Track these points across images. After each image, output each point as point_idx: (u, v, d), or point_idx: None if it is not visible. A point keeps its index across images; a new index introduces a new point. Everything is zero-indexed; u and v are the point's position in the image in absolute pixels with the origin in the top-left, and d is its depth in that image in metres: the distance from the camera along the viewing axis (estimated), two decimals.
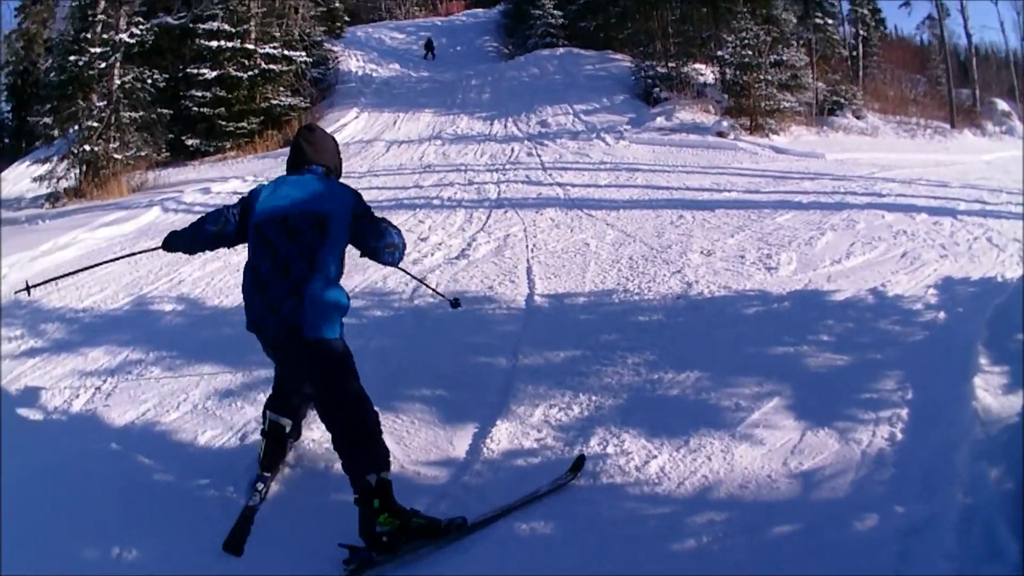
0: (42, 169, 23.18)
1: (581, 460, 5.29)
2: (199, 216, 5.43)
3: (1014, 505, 4.01)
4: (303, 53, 34.32)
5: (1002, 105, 38.28)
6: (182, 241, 5.29)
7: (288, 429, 5.49)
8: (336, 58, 41.63)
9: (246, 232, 5.08)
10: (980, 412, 5.08)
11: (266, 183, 5.30)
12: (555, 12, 42.22)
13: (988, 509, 4.04)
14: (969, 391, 5.41)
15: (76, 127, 23.45)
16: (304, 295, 4.74)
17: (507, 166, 20.33)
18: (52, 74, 25.21)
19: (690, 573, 4.20)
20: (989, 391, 5.35)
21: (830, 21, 37.78)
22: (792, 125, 27.68)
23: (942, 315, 7.47)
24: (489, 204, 14.88)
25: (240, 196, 5.38)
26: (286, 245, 4.83)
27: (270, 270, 4.83)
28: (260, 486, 5.16)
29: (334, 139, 5.72)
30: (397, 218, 13.63)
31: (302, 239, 4.84)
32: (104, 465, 5.99)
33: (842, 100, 30.84)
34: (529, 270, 10.02)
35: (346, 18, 50.60)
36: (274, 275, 4.80)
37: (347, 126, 30.77)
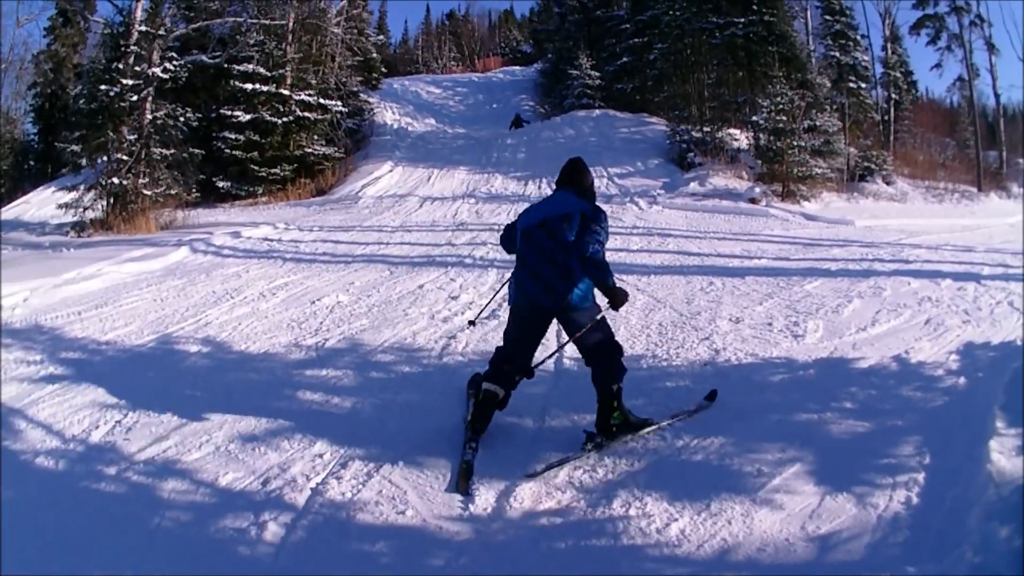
0: (68, 197, 23.15)
1: (714, 393, 7.49)
2: None
3: (1022, 563, 4.07)
4: (339, 102, 34.43)
5: None
6: (505, 244, 7.20)
7: (500, 397, 6.79)
8: (372, 109, 41.82)
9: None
10: (994, 474, 5.14)
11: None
12: (592, 73, 42.55)
13: (997, 567, 4.12)
14: (984, 454, 5.47)
15: (105, 158, 23.52)
16: (571, 277, 6.41)
17: None
18: (82, 101, 25.09)
19: None
20: (1003, 453, 5.41)
21: (863, 85, 37.85)
22: (823, 191, 27.79)
23: (962, 380, 7.52)
24: None
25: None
26: (544, 244, 6.53)
27: (539, 262, 6.55)
28: (473, 444, 6.52)
29: (590, 173, 7.25)
30: (429, 275, 14.04)
31: (556, 236, 6.46)
32: (120, 498, 6.08)
33: (872, 166, 30.85)
34: (559, 332, 9.70)
35: (383, 69, 50.77)
36: (542, 265, 6.51)
37: (381, 179, 31.12)
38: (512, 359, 6.80)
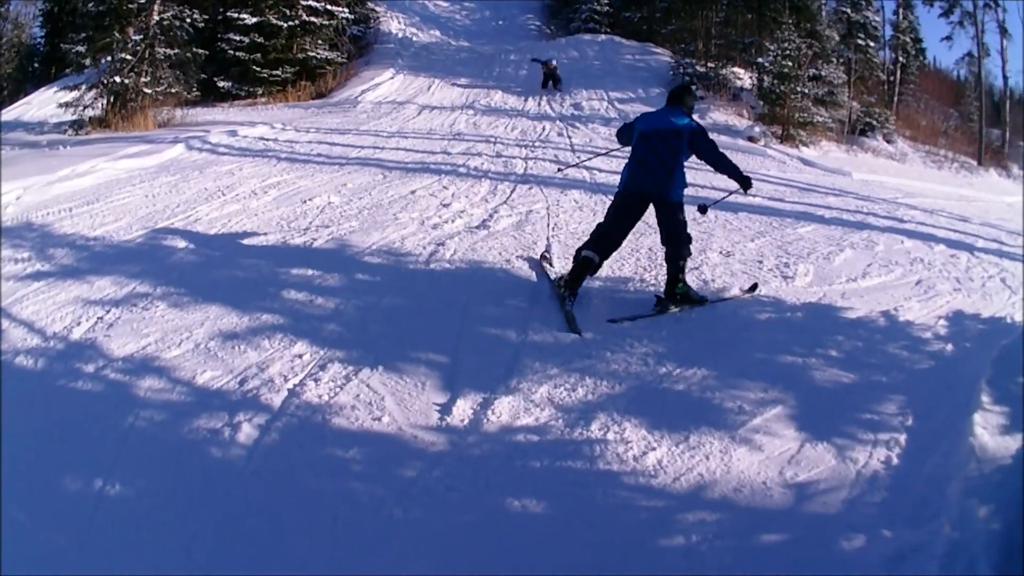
0: (69, 96, 22.87)
1: (755, 286, 8.87)
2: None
3: (998, 546, 4.03)
4: (345, 9, 34.13)
5: None
6: (621, 137, 8.95)
7: (596, 262, 8.13)
8: (377, 18, 41.43)
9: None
10: (976, 449, 5.07)
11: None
12: None
13: (973, 546, 4.05)
14: (968, 426, 5.40)
15: (109, 58, 23.26)
16: (671, 179, 8.05)
17: (536, 143, 20.27)
18: (91, 4, 24.66)
19: (676, 571, 4.26)
20: (987, 429, 5.32)
21: (872, 44, 37.64)
22: (823, 140, 27.66)
23: (949, 347, 7.48)
24: (515, 179, 14.88)
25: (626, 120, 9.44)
26: (658, 147, 8.12)
27: (648, 162, 8.16)
28: (571, 300, 7.87)
29: (695, 96, 9.32)
30: (422, 181, 13.98)
31: (667, 142, 8.08)
32: (97, 397, 6.07)
33: (874, 122, 30.76)
34: (548, 247, 10.06)
35: None
36: (651, 164, 8.13)
37: (381, 86, 30.82)
38: (610, 234, 8.23)
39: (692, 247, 8.41)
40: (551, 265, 9.33)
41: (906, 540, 4.36)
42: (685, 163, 8.19)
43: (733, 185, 8.47)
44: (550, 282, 8.66)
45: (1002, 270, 10.73)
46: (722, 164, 8.26)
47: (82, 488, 4.86)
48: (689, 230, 8.23)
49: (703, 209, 8.47)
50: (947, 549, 4.13)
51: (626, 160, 8.67)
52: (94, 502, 4.74)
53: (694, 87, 10.21)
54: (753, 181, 8.68)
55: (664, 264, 8.32)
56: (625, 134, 8.81)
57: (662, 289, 8.26)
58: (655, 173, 8.08)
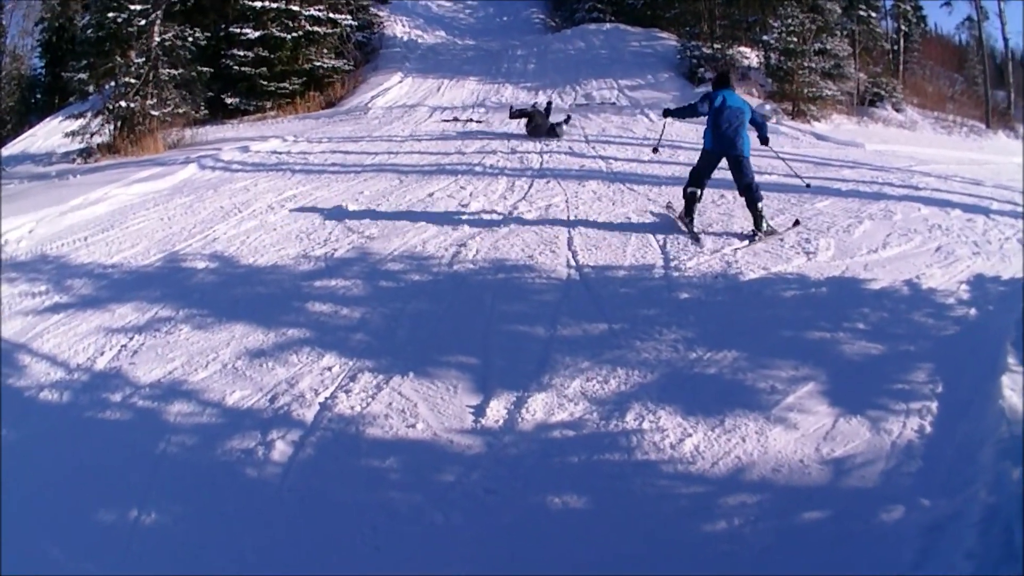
0: (75, 125, 22.78)
1: (797, 221, 10.85)
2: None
3: None
4: (348, 16, 33.99)
5: None
6: (678, 114, 11.38)
7: (699, 194, 10.71)
8: (381, 23, 41.23)
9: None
10: (1006, 411, 5.10)
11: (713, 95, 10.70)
12: None
13: (1009, 510, 4.07)
14: (996, 389, 5.43)
15: (112, 84, 23.11)
16: (740, 140, 10.44)
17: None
18: (89, 31, 24.73)
19: (720, 555, 4.32)
20: (1016, 391, 5.36)
21: (873, 14, 37.54)
22: (833, 113, 27.60)
23: (973, 311, 7.51)
24: (531, 174, 14.82)
25: (704, 95, 10.95)
26: (732, 119, 10.45)
27: (725, 132, 10.42)
28: (689, 223, 10.58)
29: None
30: (439, 183, 13.90)
31: (736, 116, 10.48)
32: (126, 425, 6.12)
33: (882, 92, 30.67)
34: (570, 241, 10.05)
35: None
36: (726, 133, 10.42)
37: (390, 90, 30.71)
38: (701, 177, 10.70)
39: (715, 227, 10.57)
40: (672, 209, 11.49)
41: (943, 509, 4.41)
42: (746, 127, 10.63)
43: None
44: (678, 218, 10.95)
45: (1018, 231, 10.69)
46: (763, 128, 11.26)
47: (117, 519, 4.90)
48: (702, 215, 9.98)
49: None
50: (984, 515, 4.15)
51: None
52: (129, 532, 4.77)
53: (726, 71, 13.03)
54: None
55: (748, 208, 10.45)
56: (690, 110, 11.04)
57: (753, 228, 10.35)
58: (728, 136, 10.44)
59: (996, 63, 44.32)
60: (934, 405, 5.63)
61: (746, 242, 10.08)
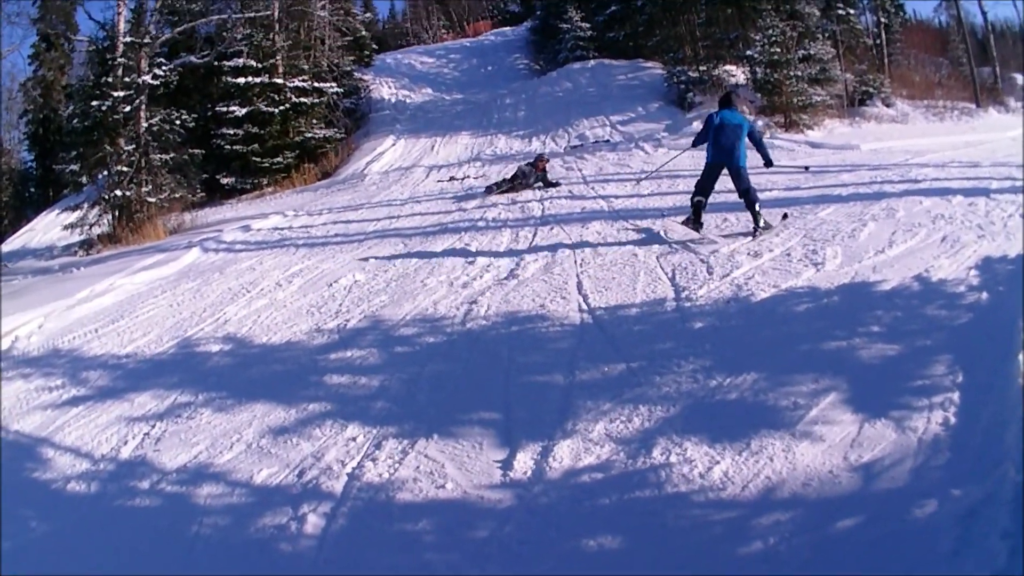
0: (72, 217, 23.15)
1: (785, 215, 12.16)
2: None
3: None
4: (333, 84, 34.18)
5: (1021, 80, 38.03)
6: (696, 143, 12.94)
7: (704, 201, 11.99)
8: (367, 87, 41.55)
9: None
10: None
11: (711, 118, 12.33)
12: (583, 24, 42.06)
13: None
14: (1016, 368, 5.46)
15: (105, 172, 23.46)
16: (737, 153, 11.79)
17: None
18: (75, 120, 25.08)
19: (758, 575, 4.31)
20: None
21: (851, 11, 37.48)
22: (825, 119, 27.59)
23: (984, 295, 7.51)
24: (534, 222, 14.91)
25: (706, 118, 12.58)
26: (728, 135, 11.89)
27: (722, 145, 11.87)
28: (697, 226, 11.91)
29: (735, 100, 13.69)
30: (443, 242, 14.02)
31: (734, 132, 11.90)
32: (156, 511, 6.12)
33: (871, 89, 30.59)
34: (579, 285, 10.07)
35: (374, 46, 50.50)
36: (723, 145, 11.87)
37: (384, 154, 30.90)
38: (705, 188, 12.04)
39: (722, 251, 10.92)
40: (679, 224, 12.13)
41: (975, 495, 4.40)
42: (744, 142, 11.99)
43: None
44: (682, 223, 12.03)
45: (1020, 206, 10.76)
46: (763, 147, 12.42)
47: None
48: (706, 235, 11.13)
49: (769, 165, 12.72)
50: (1015, 493, 4.18)
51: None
52: None
53: (729, 93, 13.98)
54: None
55: (747, 210, 11.74)
56: (701, 137, 12.61)
57: (751, 226, 11.64)
58: (728, 150, 11.84)
59: (978, 39, 44.39)
60: (956, 395, 5.61)
61: (749, 238, 11.37)
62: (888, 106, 30.36)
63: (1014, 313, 6.61)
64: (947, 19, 47.41)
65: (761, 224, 11.53)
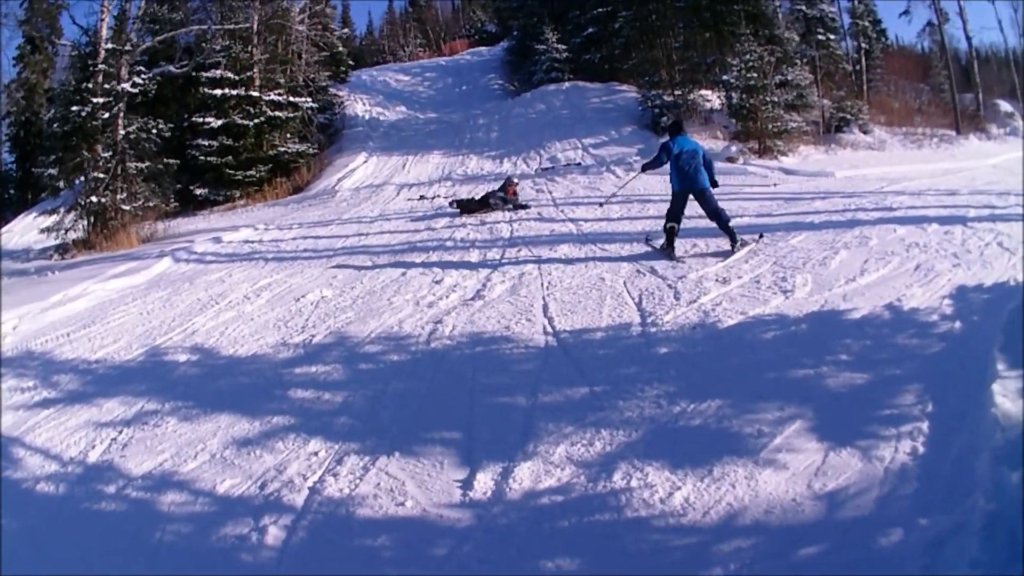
0: (49, 221, 23.18)
1: (761, 234, 12.52)
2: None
3: None
4: (309, 99, 34.29)
5: (1005, 107, 37.96)
6: (650, 167, 13.35)
7: (676, 228, 12.30)
8: (342, 103, 41.66)
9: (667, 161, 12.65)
10: (1000, 418, 5.05)
11: (673, 144, 12.71)
12: (559, 46, 42.09)
13: (1011, 514, 4.03)
14: (988, 398, 5.38)
15: (82, 178, 23.55)
16: (700, 176, 12.33)
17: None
18: (55, 125, 25.18)
19: None
20: (1007, 396, 5.31)
21: (832, 36, 37.57)
22: (800, 145, 27.63)
23: (957, 324, 7.49)
24: (502, 243, 14.96)
25: (662, 145, 12.93)
26: (689, 161, 12.35)
27: (687, 172, 12.29)
28: (671, 253, 12.18)
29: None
30: (411, 261, 14.12)
31: (693, 157, 12.40)
32: (121, 516, 6.15)
33: (848, 116, 30.66)
34: (545, 307, 10.08)
35: (350, 62, 50.68)
36: (690, 172, 12.30)
37: (356, 171, 30.97)
38: (678, 215, 12.36)
39: (690, 276, 10.75)
40: (654, 242, 12.96)
41: (943, 523, 4.37)
42: (704, 166, 12.54)
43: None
44: (658, 249, 12.57)
45: (998, 234, 10.79)
46: (711, 170, 12.73)
47: None
48: (676, 267, 11.48)
49: (715, 185, 12.79)
50: (985, 523, 4.11)
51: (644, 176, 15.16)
52: None
53: (679, 119, 14.61)
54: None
55: (721, 230, 12.15)
56: (657, 162, 12.97)
57: (727, 244, 12.02)
58: (691, 175, 12.33)
59: (961, 64, 44.59)
60: (925, 425, 5.60)
61: (728, 257, 11.59)
62: (865, 133, 30.46)
63: (988, 342, 6.54)
64: (930, 44, 47.56)
65: (738, 240, 11.95)
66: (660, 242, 12.75)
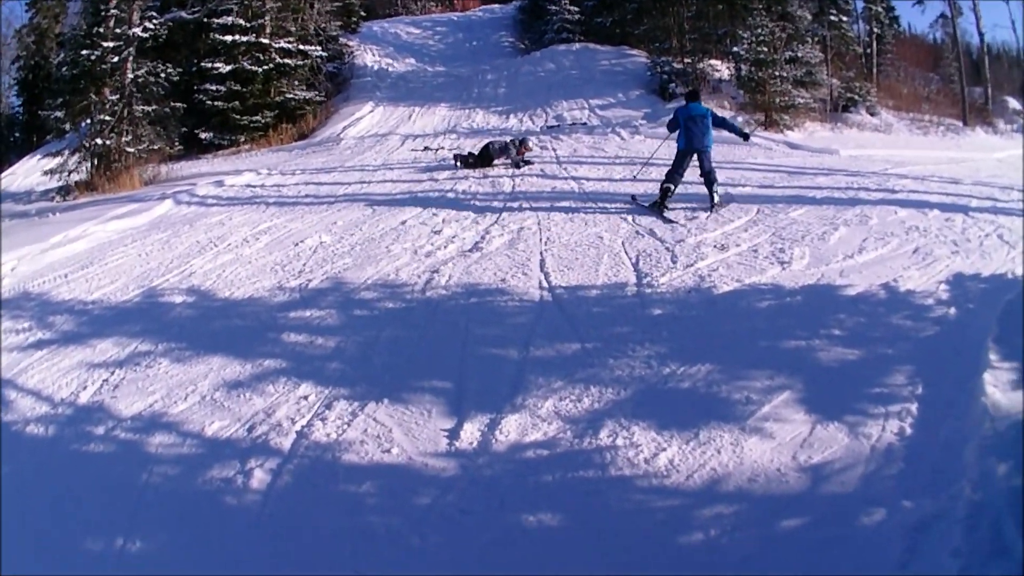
0: (53, 163, 22.79)
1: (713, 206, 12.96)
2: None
3: (1022, 502, 3.97)
4: (318, 48, 33.98)
5: (1014, 104, 37.71)
6: (670, 129, 14.12)
7: (672, 188, 12.96)
8: (351, 53, 41.24)
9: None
10: (990, 408, 5.06)
11: (681, 112, 13.47)
12: (571, 8, 41.48)
13: (996, 506, 4.03)
14: (979, 387, 5.39)
15: (88, 121, 23.23)
16: (706, 137, 13.13)
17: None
18: (64, 68, 24.92)
19: (699, 567, 4.29)
20: (999, 387, 5.32)
21: (844, 18, 37.22)
22: (806, 121, 27.36)
23: (953, 311, 7.47)
24: (503, 197, 14.85)
25: (676, 110, 13.85)
26: (697, 125, 13.10)
27: (694, 135, 13.06)
28: (661, 210, 12.65)
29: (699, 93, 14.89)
30: (411, 211, 13.91)
31: (703, 120, 13.14)
32: (110, 457, 6.17)
33: (856, 97, 30.44)
34: (542, 263, 10.06)
35: (362, 13, 50.10)
36: (695, 133, 13.07)
37: (362, 120, 30.58)
38: (676, 174, 13.12)
39: (688, 241, 10.74)
40: (634, 201, 13.69)
41: (927, 508, 4.37)
42: (710, 128, 13.30)
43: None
44: (647, 206, 13.14)
45: (999, 227, 10.69)
46: (727, 125, 13.84)
47: (104, 548, 4.93)
48: (675, 231, 11.36)
49: (746, 138, 14.73)
50: (969, 511, 4.12)
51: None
52: (116, 560, 4.80)
53: (696, 88, 17.09)
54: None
55: (706, 188, 12.91)
56: (674, 124, 13.79)
57: (709, 203, 12.77)
58: (697, 136, 13.12)
59: (972, 59, 44.39)
60: (914, 407, 5.60)
61: (708, 212, 12.55)
62: (872, 115, 30.28)
63: (982, 331, 6.53)
64: (942, 36, 47.32)
65: (716, 201, 12.88)
66: (646, 201, 13.48)
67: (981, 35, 40.07)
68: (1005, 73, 44.54)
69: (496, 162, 18.86)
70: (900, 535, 4.24)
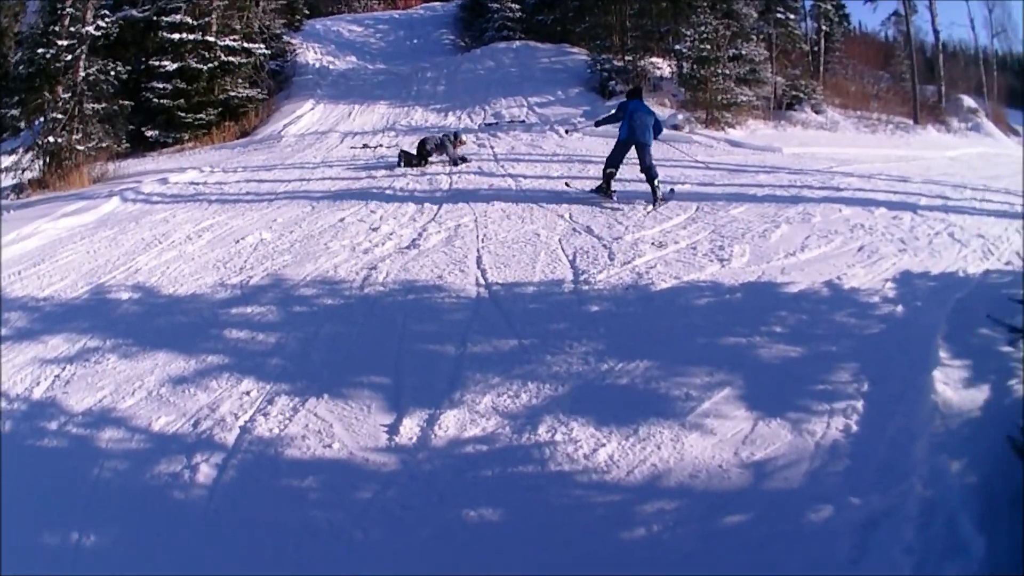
0: (8, 161, 22.73)
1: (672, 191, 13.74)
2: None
3: (979, 500, 3.99)
4: (262, 46, 33.94)
5: (968, 102, 38.20)
6: (605, 122, 14.74)
7: (614, 172, 13.44)
8: (294, 50, 41.27)
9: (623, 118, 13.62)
10: (940, 405, 5.08)
11: (629, 112, 13.64)
12: (512, 6, 41.41)
13: (950, 503, 4.03)
14: (928, 384, 5.41)
15: (42, 119, 23.22)
16: (647, 133, 13.34)
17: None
18: (21, 67, 24.96)
19: (640, 561, 4.28)
20: (949, 384, 5.35)
21: (792, 16, 37.46)
22: (749, 119, 27.49)
23: (900, 309, 7.48)
24: (441, 195, 14.83)
25: (620, 105, 14.12)
26: (641, 119, 13.36)
27: (636, 127, 13.24)
28: (607, 195, 13.36)
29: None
30: (349, 208, 13.93)
31: (647, 118, 13.47)
32: (63, 453, 6.15)
33: (801, 95, 30.57)
34: (479, 260, 10.05)
35: (306, 11, 50.28)
36: (638, 127, 13.26)
37: (302, 118, 30.60)
38: (616, 162, 13.50)
39: (626, 238, 10.69)
40: (569, 186, 14.41)
41: (876, 505, 4.35)
42: (653, 126, 13.59)
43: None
44: (592, 191, 13.80)
45: (949, 225, 10.79)
46: (660, 133, 14.00)
47: (60, 542, 4.92)
48: (612, 228, 11.39)
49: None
50: (922, 508, 4.12)
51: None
52: (72, 554, 4.81)
53: (639, 86, 17.57)
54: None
55: (648, 184, 13.09)
56: (614, 118, 14.16)
57: (651, 196, 12.99)
58: (639, 130, 13.27)
59: (926, 57, 44.76)
60: (860, 404, 5.58)
61: (650, 207, 12.73)
62: (817, 112, 30.43)
63: (930, 329, 6.59)
64: (895, 34, 47.64)
65: (660, 196, 13.08)
66: (577, 184, 14.44)
67: (936, 33, 40.44)
68: (961, 71, 45.21)
69: (433, 159, 18.82)
70: (848, 532, 4.21)
